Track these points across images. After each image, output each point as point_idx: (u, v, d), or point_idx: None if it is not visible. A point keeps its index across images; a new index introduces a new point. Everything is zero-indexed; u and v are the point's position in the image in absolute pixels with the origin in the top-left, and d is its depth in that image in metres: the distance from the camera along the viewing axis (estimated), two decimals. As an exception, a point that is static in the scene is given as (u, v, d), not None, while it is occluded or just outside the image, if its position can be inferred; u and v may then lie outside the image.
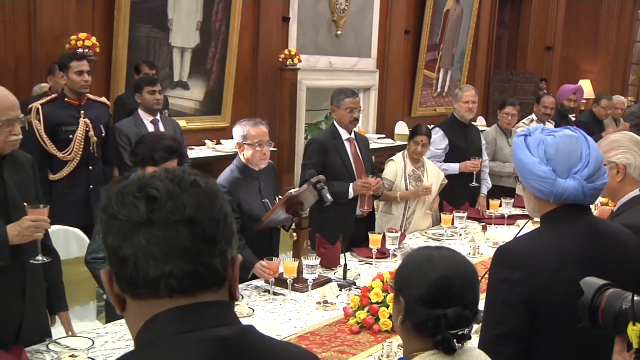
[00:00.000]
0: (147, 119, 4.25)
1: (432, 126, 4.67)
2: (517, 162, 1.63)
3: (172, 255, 0.87)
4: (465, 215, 3.95)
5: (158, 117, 4.30)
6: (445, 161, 4.51)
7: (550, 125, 5.09)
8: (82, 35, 5.01)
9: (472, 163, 4.42)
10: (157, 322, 0.87)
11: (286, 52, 6.98)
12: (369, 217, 3.94)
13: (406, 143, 4.26)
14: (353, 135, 3.92)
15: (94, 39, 5.05)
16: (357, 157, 3.88)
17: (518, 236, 1.63)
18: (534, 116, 5.68)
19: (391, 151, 6.91)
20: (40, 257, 2.26)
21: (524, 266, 1.53)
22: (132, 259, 0.87)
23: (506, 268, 1.54)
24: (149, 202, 0.88)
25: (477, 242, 3.74)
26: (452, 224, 3.90)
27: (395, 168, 4.10)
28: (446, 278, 1.33)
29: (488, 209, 4.48)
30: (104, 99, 4.20)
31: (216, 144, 6.26)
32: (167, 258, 0.87)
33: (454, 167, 4.47)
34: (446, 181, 4.25)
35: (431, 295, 1.32)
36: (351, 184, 3.78)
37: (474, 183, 4.45)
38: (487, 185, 4.70)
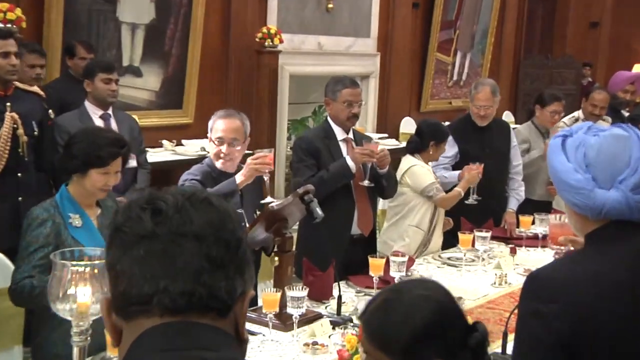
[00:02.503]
0: (95, 113, 4.28)
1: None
2: (550, 169, 1.68)
3: (170, 271, 0.95)
4: (488, 234, 3.97)
5: (110, 111, 4.33)
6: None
7: (604, 124, 4.96)
8: (3, 6, 4.98)
9: (471, 168, 4.29)
10: (141, 341, 0.95)
11: (264, 30, 7.04)
12: (369, 237, 3.99)
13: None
14: (351, 135, 3.97)
15: (18, 11, 5.04)
16: (361, 179, 3.89)
17: (553, 260, 1.67)
18: (579, 114, 5.65)
19: (395, 154, 6.93)
20: None
21: (558, 297, 1.55)
22: (127, 273, 0.96)
23: (537, 299, 1.57)
24: (154, 214, 0.98)
25: (503, 269, 3.79)
26: (472, 245, 3.93)
27: (427, 170, 4.19)
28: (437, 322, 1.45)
29: (517, 226, 4.54)
30: (36, 89, 4.22)
31: (176, 145, 6.29)
32: (164, 273, 0.95)
33: (453, 175, 4.48)
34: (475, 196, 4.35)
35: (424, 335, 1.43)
36: (347, 156, 3.81)
37: (471, 199, 4.31)
38: (517, 198, 4.76)
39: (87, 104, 4.29)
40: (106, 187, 2.80)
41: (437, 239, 4.26)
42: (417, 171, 4.19)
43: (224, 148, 3.34)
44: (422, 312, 1.48)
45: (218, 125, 3.36)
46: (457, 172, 4.45)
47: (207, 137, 3.48)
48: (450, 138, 4.50)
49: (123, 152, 2.83)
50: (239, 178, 3.31)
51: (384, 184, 3.92)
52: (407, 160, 4.26)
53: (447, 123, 4.87)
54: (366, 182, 3.85)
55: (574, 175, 1.62)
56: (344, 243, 3.86)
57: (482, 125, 4.67)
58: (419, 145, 4.26)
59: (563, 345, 1.53)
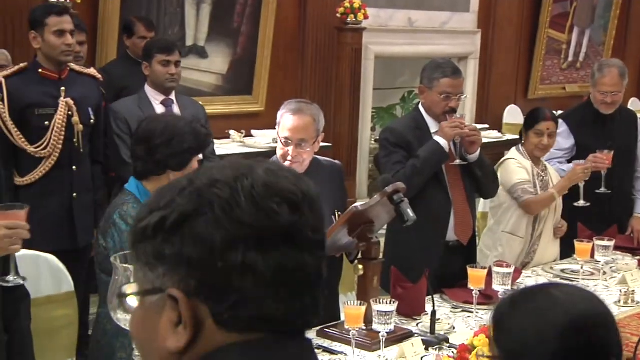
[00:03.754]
0: (156, 99, 4.37)
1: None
2: None
3: (306, 286, 1.05)
4: (611, 244, 3.91)
5: (172, 96, 4.42)
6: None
7: None
8: (57, -20, 5.14)
9: (597, 157, 4.22)
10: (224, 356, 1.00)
11: (347, 4, 7.05)
12: (468, 245, 3.94)
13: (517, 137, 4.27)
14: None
15: (73, -15, 5.22)
16: (453, 161, 3.86)
17: None
18: None
19: (498, 148, 6.87)
20: (12, 277, 2.36)
21: None
22: (257, 288, 1.01)
23: None
24: (292, 209, 1.02)
25: (630, 284, 3.71)
26: (592, 256, 3.88)
27: (522, 166, 4.10)
28: (582, 319, 1.40)
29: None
30: (93, 71, 4.34)
31: (245, 136, 6.37)
32: (297, 290, 1.04)
33: (569, 168, 4.39)
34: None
35: (565, 351, 1.37)
36: (435, 136, 3.77)
37: (580, 202, 4.19)
38: (646, 200, 4.66)
39: (147, 89, 4.39)
40: None
41: (547, 248, 4.18)
42: (508, 166, 4.15)
43: (290, 150, 3.33)
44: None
45: (286, 121, 3.34)
46: (579, 161, 4.31)
47: (278, 128, 3.52)
48: (565, 128, 4.48)
49: (204, 149, 2.90)
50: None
51: (478, 174, 3.86)
52: (508, 154, 4.23)
53: (558, 112, 4.76)
54: (458, 161, 3.82)
55: None
56: (438, 250, 3.83)
57: (605, 115, 4.58)
58: (521, 136, 4.23)
59: None
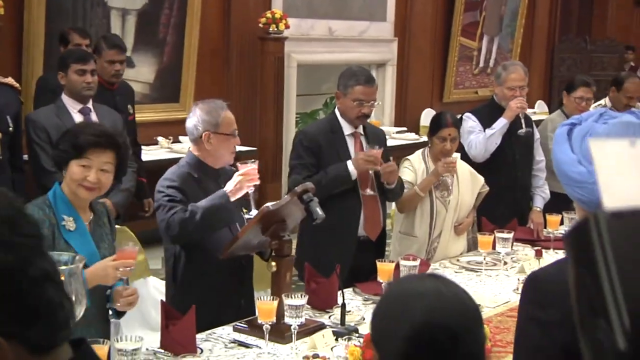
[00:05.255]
0: (74, 107, 4.31)
1: (462, 113, 4.76)
2: (553, 160, 1.69)
3: None
4: (511, 235, 3.99)
5: (90, 104, 4.37)
6: (478, 166, 4.52)
7: None
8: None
9: (517, 100, 4.55)
10: None
11: (268, 14, 7.08)
12: (378, 241, 4.01)
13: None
14: (360, 130, 3.99)
15: (-4, -5, 5.14)
16: (365, 188, 3.90)
17: (555, 261, 1.68)
18: (605, 101, 5.73)
19: (414, 150, 6.95)
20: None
21: (558, 301, 1.51)
22: None
23: (536, 305, 1.57)
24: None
25: (528, 273, 3.77)
26: (494, 248, 3.94)
27: (414, 171, 4.16)
28: (426, 325, 1.33)
29: (545, 227, 4.54)
30: (10, 80, 4.26)
31: (172, 142, 6.35)
32: None
33: (500, 122, 4.56)
34: (486, 189, 4.33)
35: (409, 354, 1.33)
36: (349, 160, 3.83)
37: (522, 130, 4.57)
38: (542, 196, 4.78)
39: (65, 98, 4.31)
40: (86, 182, 2.75)
41: (447, 246, 4.21)
42: (403, 167, 4.20)
43: (237, 141, 3.38)
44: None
45: (229, 117, 3.34)
46: (502, 120, 4.57)
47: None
48: (476, 123, 4.63)
49: (107, 147, 2.79)
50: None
51: (389, 194, 4.01)
52: (412, 155, 4.29)
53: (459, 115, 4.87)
54: (368, 192, 3.87)
55: (577, 167, 1.62)
56: (350, 247, 3.88)
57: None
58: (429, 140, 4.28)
59: (565, 354, 1.50)
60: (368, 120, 4.08)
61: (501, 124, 4.57)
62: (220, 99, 3.48)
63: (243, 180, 3.18)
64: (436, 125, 4.18)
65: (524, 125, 4.59)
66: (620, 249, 0.94)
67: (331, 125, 3.97)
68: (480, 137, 4.58)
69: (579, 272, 1.02)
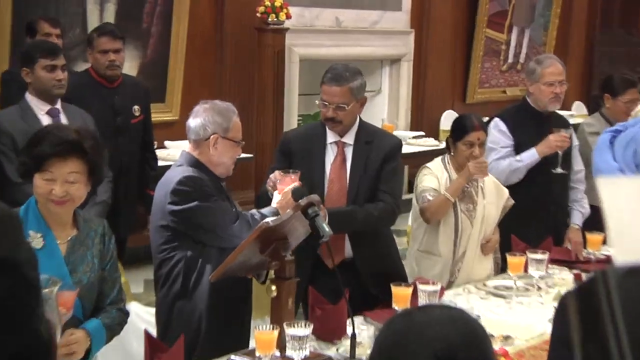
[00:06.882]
0: (41, 109, 4.28)
1: (490, 117, 4.75)
2: (593, 169, 1.69)
3: None
4: (545, 257, 3.98)
5: (58, 105, 4.35)
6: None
7: None
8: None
9: (558, 136, 4.49)
10: None
11: (267, 2, 7.08)
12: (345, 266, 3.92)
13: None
14: (349, 139, 3.93)
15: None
16: (339, 175, 3.90)
17: None
18: None
19: (434, 156, 6.93)
20: None
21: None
22: None
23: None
24: None
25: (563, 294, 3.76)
26: (525, 271, 3.93)
27: (436, 180, 4.15)
28: (447, 351, 1.42)
29: (584, 247, 4.53)
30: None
31: (157, 148, 6.32)
32: None
33: (530, 155, 4.54)
34: (511, 202, 4.31)
35: None
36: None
37: (558, 169, 4.52)
38: (581, 211, 4.76)
39: (30, 98, 4.28)
40: (54, 197, 2.77)
41: (473, 266, 4.20)
42: (419, 176, 4.21)
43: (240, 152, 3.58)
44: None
45: (239, 124, 3.53)
46: (533, 150, 4.54)
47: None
48: (504, 127, 4.60)
49: (70, 152, 2.77)
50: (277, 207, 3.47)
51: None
52: (432, 162, 4.29)
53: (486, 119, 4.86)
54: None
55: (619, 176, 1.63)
56: (306, 268, 3.80)
57: (542, 116, 4.69)
58: (447, 146, 4.26)
59: None
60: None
61: (531, 158, 4.55)
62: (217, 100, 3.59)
63: (288, 192, 3.37)
64: (461, 129, 4.16)
65: (560, 162, 4.53)
66: (635, 317, 0.88)
67: (315, 130, 3.98)
68: (501, 164, 4.55)
69: (585, 348, 0.99)
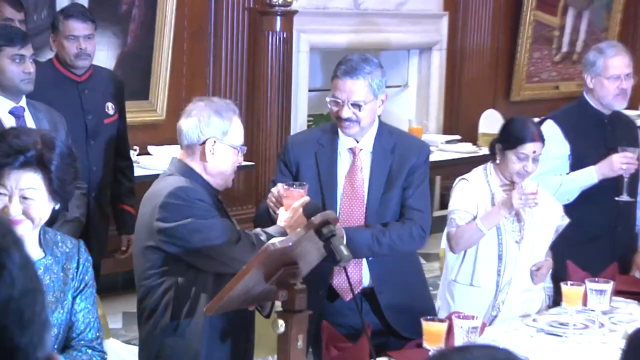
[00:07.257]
0: (3, 107, 4.31)
1: (541, 118, 4.75)
2: None
3: None
4: (609, 287, 3.96)
5: (23, 102, 4.36)
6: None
7: None
8: None
9: (624, 157, 4.50)
10: None
11: (270, -20, 7.11)
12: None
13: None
14: (367, 145, 3.92)
15: None
16: (354, 189, 3.89)
17: None
18: None
19: (472, 165, 6.93)
20: None
21: None
22: None
23: None
24: None
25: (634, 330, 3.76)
26: (585, 304, 3.93)
27: (473, 198, 4.14)
28: None
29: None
30: None
31: (139, 154, 6.34)
32: None
33: (586, 176, 4.56)
34: (566, 221, 4.32)
35: None
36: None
37: (623, 196, 4.51)
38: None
39: None
40: (7, 215, 2.72)
41: (518, 290, 4.20)
42: (456, 190, 4.24)
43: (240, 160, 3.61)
44: None
45: (241, 128, 3.57)
46: (591, 169, 4.56)
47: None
48: (557, 132, 4.61)
49: (26, 164, 2.75)
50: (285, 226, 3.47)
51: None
52: (467, 174, 4.31)
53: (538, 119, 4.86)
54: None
55: None
56: (319, 298, 3.83)
57: (604, 118, 4.70)
58: (492, 150, 4.29)
59: None
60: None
61: (587, 180, 4.57)
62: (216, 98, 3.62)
63: (297, 209, 3.38)
64: (516, 137, 4.17)
65: (625, 188, 4.54)
66: None
67: (324, 134, 3.98)
68: (550, 181, 4.54)
69: None
